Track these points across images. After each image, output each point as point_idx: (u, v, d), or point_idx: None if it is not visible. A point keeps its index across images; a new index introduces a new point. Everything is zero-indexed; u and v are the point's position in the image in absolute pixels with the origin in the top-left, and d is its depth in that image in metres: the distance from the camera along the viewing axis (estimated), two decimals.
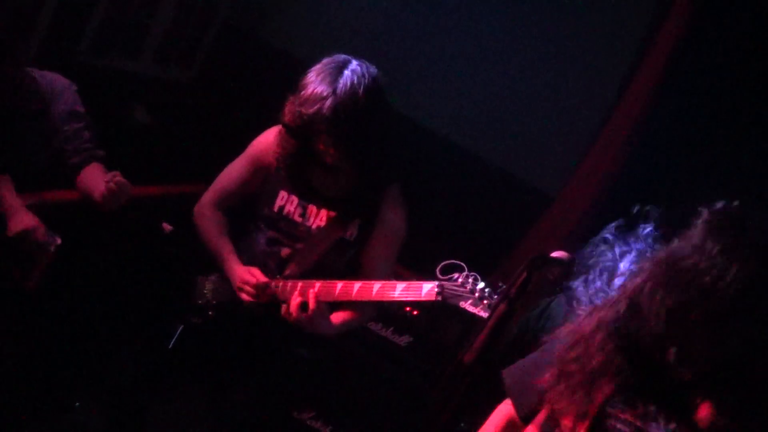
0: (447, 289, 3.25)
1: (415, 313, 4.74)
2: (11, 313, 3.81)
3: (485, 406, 3.71)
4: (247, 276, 3.75)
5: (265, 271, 3.78)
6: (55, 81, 3.92)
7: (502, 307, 2.55)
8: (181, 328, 3.92)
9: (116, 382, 4.17)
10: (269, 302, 3.73)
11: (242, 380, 3.90)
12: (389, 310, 4.70)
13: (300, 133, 3.49)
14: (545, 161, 5.59)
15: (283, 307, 3.62)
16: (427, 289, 3.30)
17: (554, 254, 2.82)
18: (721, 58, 5.21)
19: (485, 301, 3.16)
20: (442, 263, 3.26)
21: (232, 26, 6.02)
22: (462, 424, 4.44)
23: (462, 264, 3.23)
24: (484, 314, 3.14)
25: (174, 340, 3.91)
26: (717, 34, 5.21)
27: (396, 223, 3.71)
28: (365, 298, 3.49)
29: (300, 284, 3.65)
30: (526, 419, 2.63)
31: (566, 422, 2.41)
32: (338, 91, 3.38)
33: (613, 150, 5.33)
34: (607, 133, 5.42)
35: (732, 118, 5.12)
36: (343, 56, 3.51)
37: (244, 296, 3.77)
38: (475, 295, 3.18)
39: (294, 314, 3.55)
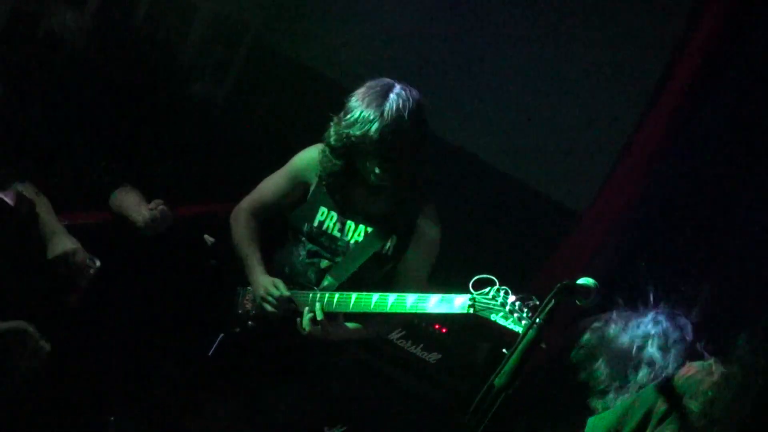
0: (479, 302, 3.32)
1: (443, 330, 4.79)
2: (52, 328, 3.89)
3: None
4: (271, 288, 3.84)
5: (303, 281, 3.88)
6: None
7: (531, 332, 2.62)
8: (221, 337, 4.01)
9: (156, 394, 4.24)
10: (291, 315, 3.82)
11: (278, 392, 3.97)
12: (419, 328, 4.76)
13: (345, 153, 3.68)
14: (573, 177, 5.60)
15: (297, 320, 3.75)
16: (460, 302, 3.38)
17: (580, 281, 2.88)
18: (752, 74, 5.21)
19: (515, 315, 3.22)
20: (475, 277, 3.32)
21: (263, 44, 6.08)
22: None
23: (494, 278, 3.29)
24: (515, 328, 3.20)
25: (214, 348, 4.00)
26: (748, 49, 5.22)
27: (431, 239, 3.85)
28: (400, 310, 3.57)
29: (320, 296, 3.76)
30: None
31: None
32: (385, 114, 3.53)
33: (640, 167, 5.34)
34: (635, 150, 5.42)
35: (759, 138, 5.13)
36: (387, 80, 3.66)
37: (267, 307, 3.86)
38: (506, 309, 3.24)
39: (306, 327, 3.69)
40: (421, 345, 4.80)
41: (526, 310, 3.20)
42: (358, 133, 3.56)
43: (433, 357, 4.79)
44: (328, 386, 4.05)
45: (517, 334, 3.00)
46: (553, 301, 2.65)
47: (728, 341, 2.69)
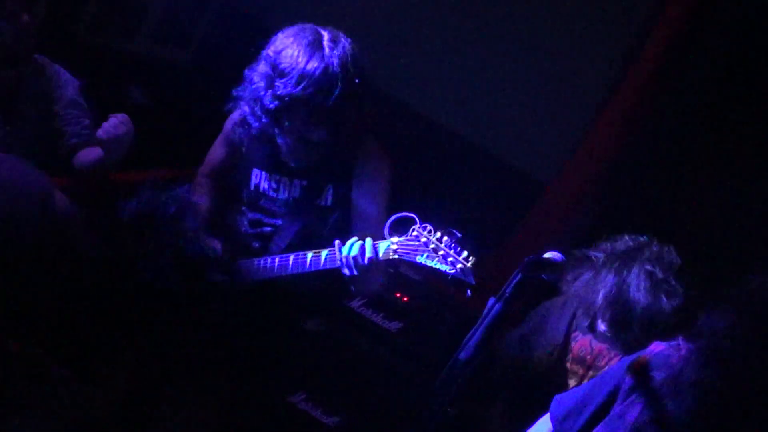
0: (402, 245, 3.22)
1: (405, 299, 4.78)
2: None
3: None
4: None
5: (250, 251, 3.82)
6: (62, 72, 4.02)
7: (498, 307, 2.60)
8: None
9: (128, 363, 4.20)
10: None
11: (238, 361, 3.95)
12: (381, 297, 4.75)
13: (276, 111, 3.47)
14: (540, 148, 5.60)
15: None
16: (383, 249, 3.29)
17: (547, 255, 2.87)
18: (718, 50, 5.22)
19: (440, 253, 3.13)
20: (393, 217, 3.25)
21: (229, 5, 6.00)
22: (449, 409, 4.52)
23: (413, 216, 3.21)
24: (442, 268, 3.12)
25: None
26: (715, 25, 5.22)
27: (375, 177, 3.70)
28: (334, 265, 3.47)
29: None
30: None
31: None
32: (329, 72, 3.35)
33: (608, 138, 5.34)
34: (603, 121, 5.43)
35: (730, 110, 5.13)
36: (312, 29, 3.47)
37: None
38: (429, 248, 3.15)
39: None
40: (383, 314, 4.78)
41: (451, 247, 3.11)
42: (300, 92, 3.37)
43: (395, 326, 4.78)
44: (288, 355, 4.03)
45: (477, 306, 2.98)
46: (519, 275, 2.64)
47: (696, 318, 2.69)
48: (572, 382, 3.52)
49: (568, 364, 3.55)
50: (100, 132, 3.81)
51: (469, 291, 3.06)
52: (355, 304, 4.80)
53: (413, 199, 3.88)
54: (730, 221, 5.05)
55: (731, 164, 5.15)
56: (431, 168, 5.51)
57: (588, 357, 3.50)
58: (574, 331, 3.59)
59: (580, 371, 3.53)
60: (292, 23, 3.57)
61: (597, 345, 3.50)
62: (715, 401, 2.40)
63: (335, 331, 4.58)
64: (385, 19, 5.70)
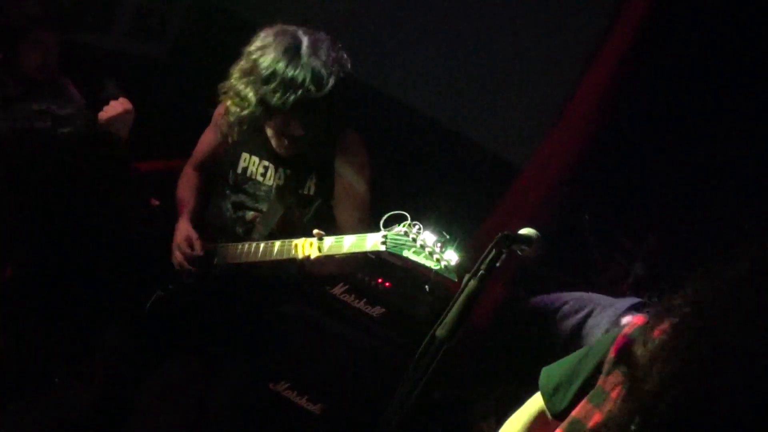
0: (390, 239, 3.31)
1: (387, 285, 4.80)
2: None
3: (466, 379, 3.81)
4: (183, 244, 3.90)
5: (233, 236, 3.89)
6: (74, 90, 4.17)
7: (473, 283, 2.62)
8: (156, 294, 4.01)
9: (106, 355, 4.22)
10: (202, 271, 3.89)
11: (222, 350, 3.98)
12: (362, 282, 4.78)
13: (258, 110, 3.59)
14: (514, 131, 5.62)
15: None
16: (372, 240, 3.37)
17: (522, 231, 2.89)
18: (689, 28, 5.24)
19: (427, 250, 3.22)
20: (387, 215, 3.31)
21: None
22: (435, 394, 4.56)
23: (405, 213, 3.28)
24: (427, 263, 3.21)
25: (150, 304, 4.00)
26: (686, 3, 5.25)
27: (355, 169, 3.81)
28: (316, 253, 3.54)
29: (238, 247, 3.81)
30: (557, 416, 2.79)
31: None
32: (308, 75, 3.48)
33: (580, 121, 5.37)
34: (576, 103, 5.46)
35: (702, 89, 5.16)
36: (292, 33, 3.59)
37: (176, 258, 3.91)
38: (417, 244, 3.23)
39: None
40: (365, 299, 4.81)
41: (439, 245, 3.21)
42: (280, 96, 3.50)
43: (377, 311, 4.81)
44: (271, 343, 4.06)
45: (454, 283, 3.02)
46: (493, 251, 2.66)
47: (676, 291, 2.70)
48: None
49: None
50: (101, 114, 3.96)
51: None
52: (337, 290, 4.84)
53: (391, 186, 3.93)
54: (704, 201, 5.09)
55: (705, 144, 5.19)
56: (408, 154, 5.53)
57: None
58: None
59: None
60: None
61: None
62: (696, 373, 2.42)
63: (317, 317, 4.62)
64: (361, 6, 5.72)
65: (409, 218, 3.27)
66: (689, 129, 5.25)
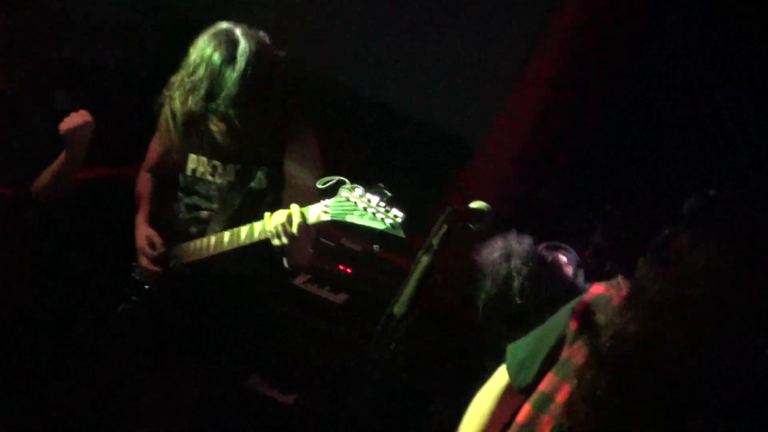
0: (332, 207, 3.31)
1: (348, 271, 4.83)
2: None
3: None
4: (144, 245, 3.91)
5: (188, 237, 3.89)
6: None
7: (425, 258, 2.64)
8: (121, 308, 4.00)
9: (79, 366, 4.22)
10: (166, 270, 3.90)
11: (192, 350, 3.97)
12: (324, 270, 4.80)
13: (200, 101, 3.61)
14: (466, 110, 5.61)
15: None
16: (314, 212, 3.38)
17: (472, 205, 2.91)
18: (635, 3, 5.26)
19: (370, 211, 3.20)
20: (322, 180, 3.32)
21: (154, 5, 5.96)
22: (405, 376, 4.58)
23: (343, 179, 3.28)
24: (374, 225, 3.19)
25: (115, 320, 3.99)
26: None
27: (304, 160, 3.79)
28: (259, 238, 3.58)
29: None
30: (523, 391, 2.82)
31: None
32: (239, 65, 3.52)
33: (532, 97, 5.39)
34: (527, 81, 5.48)
35: (652, 59, 5.19)
36: (225, 31, 3.63)
37: (142, 263, 3.92)
38: (360, 207, 3.22)
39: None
40: (327, 287, 4.84)
41: (381, 205, 3.19)
42: (214, 87, 3.54)
43: (341, 298, 4.83)
44: (240, 339, 4.05)
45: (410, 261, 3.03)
46: (444, 226, 2.67)
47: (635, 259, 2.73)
48: None
49: None
50: (61, 124, 3.94)
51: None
52: (300, 281, 4.86)
53: (345, 173, 3.93)
54: (656, 170, 5.13)
55: (657, 113, 5.22)
56: (362, 142, 5.52)
57: None
58: None
59: None
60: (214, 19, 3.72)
61: None
62: (658, 336, 2.45)
63: (283, 309, 4.63)
64: None
65: (348, 182, 3.27)
66: (639, 99, 5.28)
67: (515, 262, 3.51)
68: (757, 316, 2.30)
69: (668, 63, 5.17)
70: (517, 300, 3.44)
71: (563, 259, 3.81)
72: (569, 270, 3.81)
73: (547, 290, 3.48)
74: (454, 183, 5.33)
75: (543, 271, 3.55)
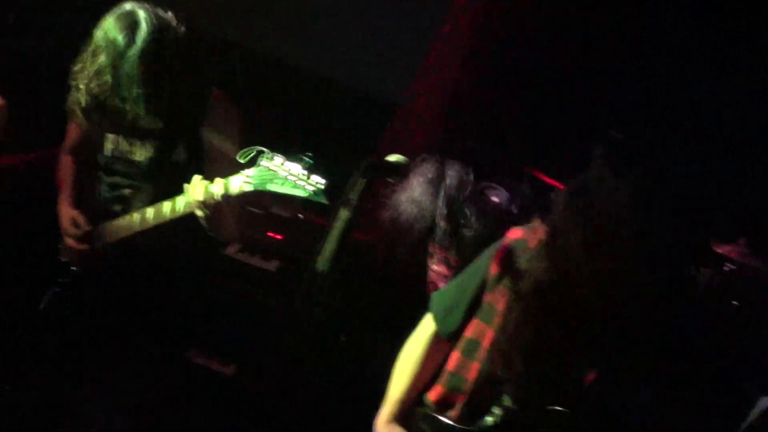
0: (254, 177, 3.30)
1: (279, 237, 4.83)
2: None
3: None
4: (69, 225, 3.88)
5: (112, 215, 3.87)
6: None
7: (345, 213, 2.66)
8: (51, 292, 3.97)
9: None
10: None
11: (129, 328, 3.96)
12: (253, 239, 4.79)
13: (109, 80, 3.64)
14: (387, 70, 5.62)
15: None
16: (236, 183, 3.38)
17: (390, 158, 2.94)
18: None
19: (292, 179, 3.20)
20: (241, 152, 3.30)
21: None
22: (342, 337, 4.61)
23: (262, 149, 3.27)
24: (296, 192, 3.19)
25: (45, 303, 3.96)
26: None
27: (223, 130, 3.80)
28: (183, 212, 3.58)
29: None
30: (450, 337, 2.88)
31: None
32: (142, 42, 3.54)
33: (449, 55, 5.41)
34: (445, 39, 5.49)
35: (557, 15, 5.24)
36: (129, 12, 3.64)
37: (68, 243, 3.90)
38: (281, 176, 3.22)
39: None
40: (259, 255, 4.83)
41: (302, 173, 3.19)
42: (119, 69, 3.57)
43: (273, 265, 4.83)
44: (174, 314, 4.05)
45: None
46: (361, 179, 2.70)
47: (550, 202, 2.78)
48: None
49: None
50: None
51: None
52: (232, 250, 4.85)
53: (267, 141, 3.92)
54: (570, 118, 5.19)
55: (577, 63, 5.27)
56: (283, 108, 5.51)
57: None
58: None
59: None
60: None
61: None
62: (572, 274, 2.50)
63: (215, 280, 4.63)
64: None
65: (268, 152, 3.26)
66: (553, 48, 5.33)
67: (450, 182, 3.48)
68: (666, 254, 2.37)
69: (581, 15, 5.23)
70: (466, 232, 3.41)
71: (495, 199, 3.82)
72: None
73: (488, 218, 3.47)
74: (379, 144, 5.35)
75: (480, 202, 3.54)
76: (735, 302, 3.80)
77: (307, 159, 3.20)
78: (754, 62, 4.91)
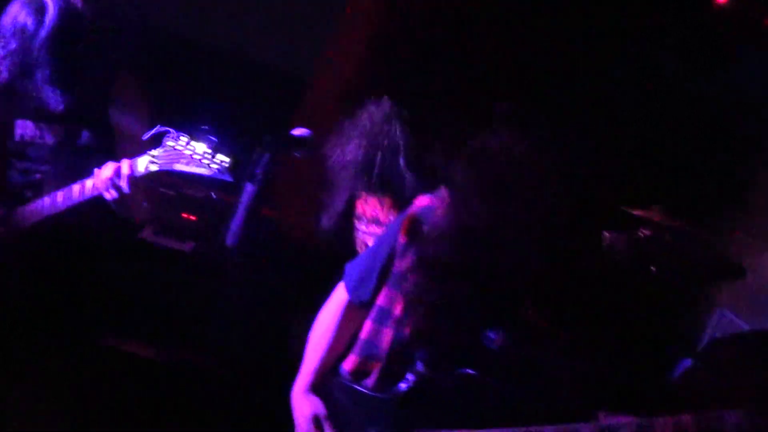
0: (159, 157, 3.32)
1: (193, 218, 4.81)
2: None
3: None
4: None
5: (24, 201, 3.80)
6: None
7: (252, 188, 2.67)
8: None
9: None
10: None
11: (42, 317, 3.93)
12: (167, 220, 4.77)
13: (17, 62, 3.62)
14: (296, 45, 5.62)
15: None
16: (143, 164, 3.38)
17: (294, 132, 2.95)
18: None
19: (197, 158, 3.23)
20: (147, 134, 3.33)
21: None
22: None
23: (168, 129, 3.29)
24: (202, 171, 3.22)
25: None
26: None
27: (131, 112, 3.80)
28: (91, 194, 3.55)
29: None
30: (363, 306, 2.92)
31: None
32: (50, 23, 3.54)
33: (357, 29, 5.43)
34: (354, 9, 5.50)
35: None
36: None
37: None
38: (188, 155, 3.24)
39: None
40: (173, 236, 4.81)
41: (209, 151, 3.21)
42: (28, 53, 3.57)
43: (188, 246, 4.82)
44: (90, 300, 4.02)
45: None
46: (266, 154, 2.70)
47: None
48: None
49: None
50: None
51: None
52: (147, 233, 4.82)
53: (177, 121, 3.90)
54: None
55: (480, 34, 5.33)
56: (192, 87, 5.47)
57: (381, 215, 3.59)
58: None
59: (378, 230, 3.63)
60: None
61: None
62: (476, 238, 2.55)
63: (130, 264, 4.59)
64: None
65: (173, 131, 3.28)
66: (459, 17, 5.38)
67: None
68: (560, 207, 2.44)
69: None
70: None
71: None
72: None
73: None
74: (290, 120, 5.34)
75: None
76: (652, 267, 3.89)
77: (211, 138, 3.22)
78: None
